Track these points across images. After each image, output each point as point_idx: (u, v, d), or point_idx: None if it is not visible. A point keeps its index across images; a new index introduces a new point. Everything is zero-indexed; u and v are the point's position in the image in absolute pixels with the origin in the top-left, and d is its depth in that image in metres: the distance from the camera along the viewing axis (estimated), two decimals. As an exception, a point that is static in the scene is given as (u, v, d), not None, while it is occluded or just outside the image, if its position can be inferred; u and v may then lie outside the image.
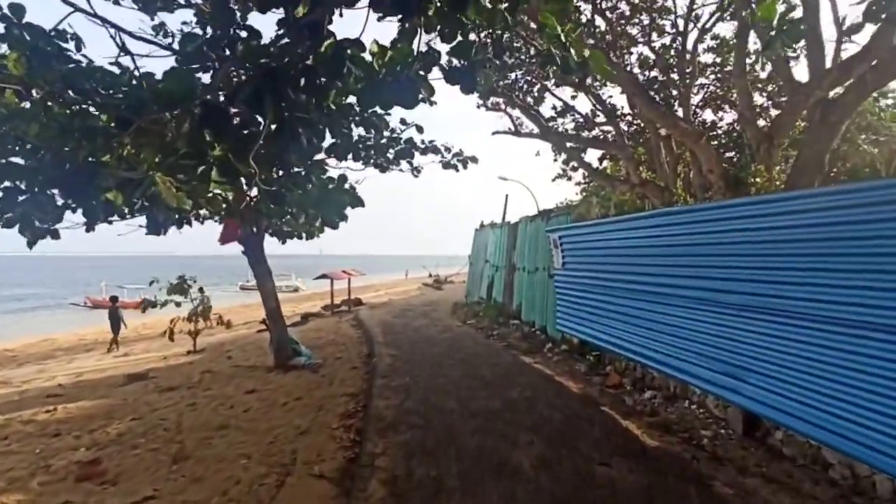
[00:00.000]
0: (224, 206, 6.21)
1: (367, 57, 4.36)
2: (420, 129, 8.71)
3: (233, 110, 4.30)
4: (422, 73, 4.91)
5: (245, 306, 39.72)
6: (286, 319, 20.86)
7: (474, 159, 9.31)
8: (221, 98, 4.11)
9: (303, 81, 4.09)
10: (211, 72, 4.01)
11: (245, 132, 4.08)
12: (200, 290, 12.27)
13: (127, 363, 11.82)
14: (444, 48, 4.04)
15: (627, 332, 6.58)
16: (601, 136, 20.46)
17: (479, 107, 23.36)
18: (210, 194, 4.46)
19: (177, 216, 5.38)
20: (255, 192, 7.23)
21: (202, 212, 8.78)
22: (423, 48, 4.82)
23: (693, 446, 4.69)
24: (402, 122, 8.48)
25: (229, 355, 10.82)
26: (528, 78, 20.15)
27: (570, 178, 30.70)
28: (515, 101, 18.32)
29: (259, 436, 5.33)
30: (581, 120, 22.37)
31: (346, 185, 7.52)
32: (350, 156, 8.56)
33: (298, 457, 4.70)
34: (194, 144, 4.04)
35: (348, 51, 4.17)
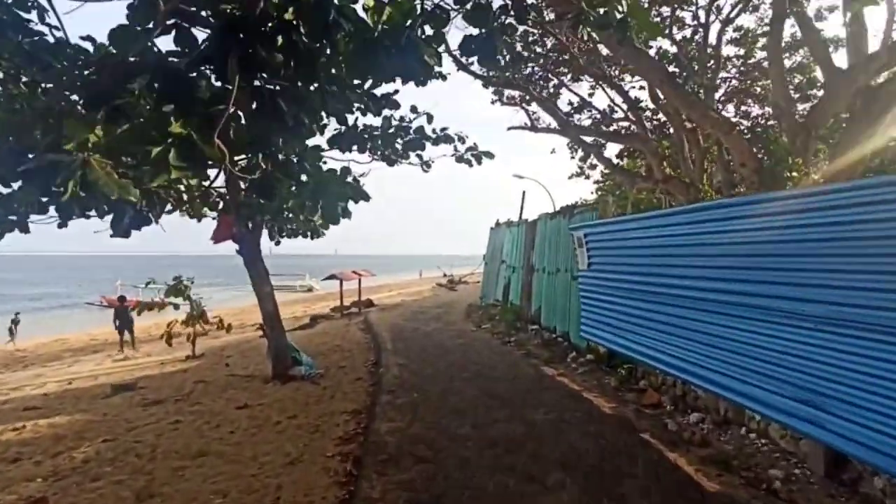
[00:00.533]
0: (188, 200, 5.40)
1: (360, 11, 3.52)
2: (430, 118, 7.89)
3: (196, 77, 3.53)
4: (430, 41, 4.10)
5: (256, 307, 39.30)
6: (296, 320, 20.21)
7: (489, 154, 8.50)
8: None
9: (279, 40, 3.30)
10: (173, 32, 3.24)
11: (214, 108, 3.31)
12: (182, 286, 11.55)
13: (124, 369, 11.21)
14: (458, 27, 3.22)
15: (667, 342, 5.69)
16: (623, 130, 19.49)
17: (493, 102, 22.54)
18: (166, 183, 3.67)
19: (146, 212, 4.62)
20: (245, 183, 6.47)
21: (207, 211, 8.13)
22: (429, 5, 4.02)
23: (763, 491, 3.79)
24: (413, 109, 7.66)
25: (227, 362, 10.12)
26: (544, 73, 19.26)
27: (587, 177, 29.63)
28: (533, 94, 17.44)
29: (241, 466, 4.55)
30: (598, 116, 21.41)
31: (350, 179, 6.74)
32: (355, 147, 7.82)
33: (283, 496, 3.91)
34: (153, 121, 3.28)
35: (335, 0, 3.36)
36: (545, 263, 10.82)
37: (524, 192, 17.35)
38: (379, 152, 8.49)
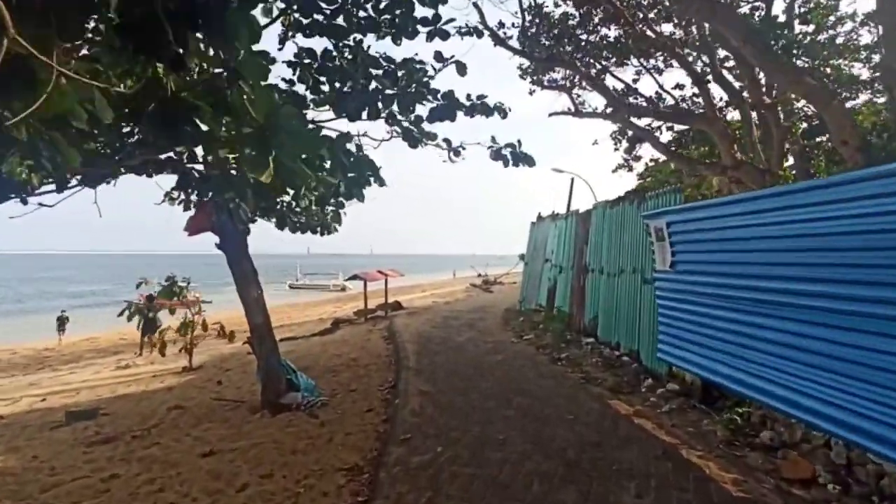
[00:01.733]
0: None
1: None
2: (462, 69, 6.11)
3: None
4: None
5: (290, 306, 38.58)
6: (320, 323, 18.64)
7: (529, 160, 6.54)
8: None
9: None
10: None
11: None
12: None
13: (115, 381, 9.79)
14: None
15: (809, 378, 3.63)
16: (685, 109, 17.07)
17: (531, 93, 20.47)
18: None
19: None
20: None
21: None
22: None
23: None
24: (438, 56, 5.80)
25: (222, 379, 8.51)
26: (586, 57, 17.09)
27: (630, 169, 27.19)
28: (580, 70, 15.29)
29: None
30: (645, 103, 18.98)
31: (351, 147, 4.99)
32: (365, 113, 6.03)
33: None
34: None
35: None
36: (603, 263, 8.75)
37: (572, 180, 15.27)
38: (397, 125, 6.69)
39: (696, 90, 15.67)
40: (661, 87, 19.47)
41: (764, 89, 12.82)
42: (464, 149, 6.87)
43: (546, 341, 9.55)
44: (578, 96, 20.28)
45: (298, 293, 49.36)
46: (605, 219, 8.82)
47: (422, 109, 6.22)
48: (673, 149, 17.48)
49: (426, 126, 6.85)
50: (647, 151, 28.48)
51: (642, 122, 17.91)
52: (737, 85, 14.92)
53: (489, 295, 22.44)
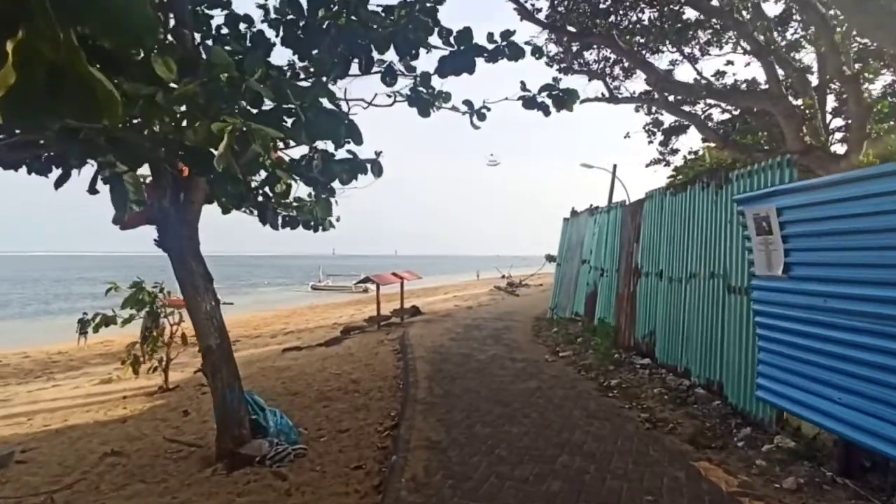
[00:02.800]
0: None
1: None
2: None
3: None
4: None
5: (311, 308, 37.48)
6: (330, 330, 17.13)
7: (573, 94, 4.94)
8: None
9: None
10: None
11: None
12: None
13: (82, 401, 8.39)
14: None
15: None
16: (742, 87, 14.96)
17: (560, 75, 18.56)
18: None
19: None
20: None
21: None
22: None
23: None
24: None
25: (189, 407, 6.95)
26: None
27: (667, 164, 24.91)
28: (620, 46, 13.38)
29: None
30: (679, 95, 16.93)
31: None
32: (356, 66, 4.50)
33: None
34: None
35: None
36: (662, 264, 6.91)
37: (614, 167, 13.41)
38: (397, 89, 5.10)
39: (751, 66, 13.65)
40: (699, 73, 17.41)
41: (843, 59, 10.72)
42: (488, 109, 5.22)
43: (588, 361, 7.74)
44: (613, 79, 18.34)
45: (320, 294, 48.43)
46: (665, 210, 6.96)
47: (428, 63, 4.53)
48: (721, 132, 15.36)
49: (437, 84, 5.23)
50: (684, 144, 25.93)
51: (684, 109, 15.92)
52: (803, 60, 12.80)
53: (515, 299, 20.63)
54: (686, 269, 6.20)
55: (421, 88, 4.97)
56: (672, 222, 6.71)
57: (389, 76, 4.76)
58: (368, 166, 4.66)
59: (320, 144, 4.32)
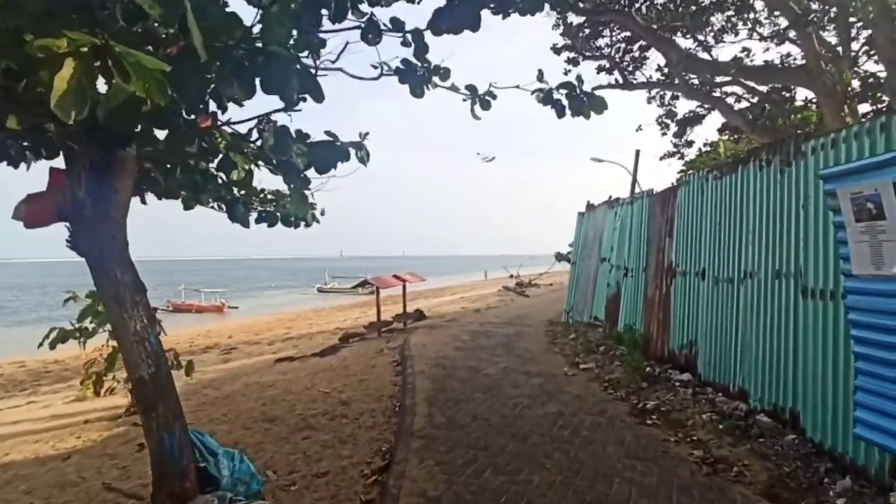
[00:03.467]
0: None
1: None
2: None
3: None
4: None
5: (315, 311, 36.56)
6: (330, 336, 16.09)
7: (597, 105, 3.83)
8: None
9: None
10: None
11: None
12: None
13: (38, 427, 7.40)
14: None
15: None
16: (775, 64, 13.74)
17: (567, 72, 17.51)
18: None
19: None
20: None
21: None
22: None
23: None
24: None
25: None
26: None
27: (681, 157, 23.71)
28: (638, 22, 12.23)
29: None
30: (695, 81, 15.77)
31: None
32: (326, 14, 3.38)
33: None
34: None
35: None
36: (704, 262, 5.77)
37: (637, 152, 12.26)
38: (386, 60, 4.05)
39: (770, 52, 12.50)
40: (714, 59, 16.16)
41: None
42: (493, 97, 4.11)
43: (615, 375, 6.62)
44: (623, 69, 17.15)
45: (327, 297, 47.63)
46: (707, 196, 5.83)
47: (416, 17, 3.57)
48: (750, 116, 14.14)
49: (435, 59, 4.18)
50: (699, 136, 24.71)
51: (706, 92, 14.78)
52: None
53: (525, 300, 19.50)
54: (739, 268, 5.07)
55: (414, 60, 3.89)
56: (717, 211, 5.57)
57: (372, 32, 3.68)
58: (352, 151, 3.63)
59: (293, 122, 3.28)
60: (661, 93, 21.14)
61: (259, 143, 3.31)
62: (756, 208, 4.82)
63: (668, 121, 21.96)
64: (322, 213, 5.64)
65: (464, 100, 4.14)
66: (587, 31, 14.59)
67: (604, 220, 9.79)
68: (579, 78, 3.81)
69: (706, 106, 20.64)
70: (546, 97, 3.89)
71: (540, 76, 4.18)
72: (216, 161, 3.95)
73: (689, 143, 24.64)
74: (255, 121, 3.40)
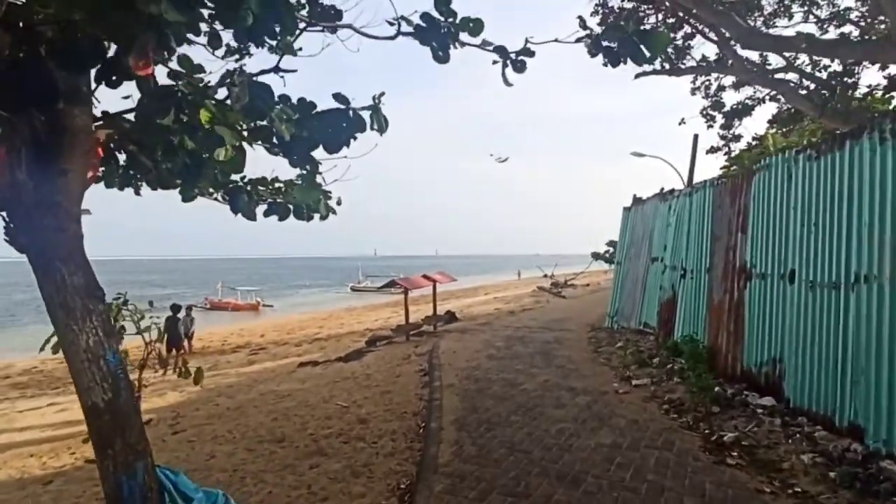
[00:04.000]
0: None
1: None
2: None
3: None
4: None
5: (348, 310, 36.35)
6: (358, 338, 15.44)
7: (657, 37, 2.75)
8: None
9: None
10: None
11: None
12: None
13: (44, 434, 6.95)
14: None
15: None
16: (852, 36, 12.25)
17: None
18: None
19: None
20: None
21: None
22: None
23: None
24: None
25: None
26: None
27: (727, 152, 22.18)
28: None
29: None
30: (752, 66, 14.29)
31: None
32: None
33: None
34: None
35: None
36: (796, 262, 4.70)
37: (696, 138, 11.14)
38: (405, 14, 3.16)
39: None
40: (760, 53, 14.72)
41: None
42: (531, 54, 3.17)
43: (677, 394, 5.60)
44: (672, 53, 15.83)
45: (362, 296, 47.53)
46: (797, 182, 4.75)
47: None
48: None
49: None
50: (747, 130, 23.03)
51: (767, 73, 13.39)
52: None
53: (562, 301, 18.40)
54: (847, 270, 4.00)
55: (435, 14, 3.04)
56: (812, 199, 4.49)
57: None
58: (367, 118, 2.87)
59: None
60: (707, 82, 19.64)
61: (230, 102, 2.53)
62: (874, 193, 3.75)
63: (715, 112, 20.41)
64: (339, 203, 4.87)
65: (494, 62, 3.26)
66: (629, 16, 13.40)
67: (654, 216, 8.70)
68: (630, 15, 2.89)
69: (757, 96, 19.07)
70: (594, 44, 2.98)
71: (582, 23, 3.26)
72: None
73: (737, 137, 22.95)
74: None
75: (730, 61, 12.60)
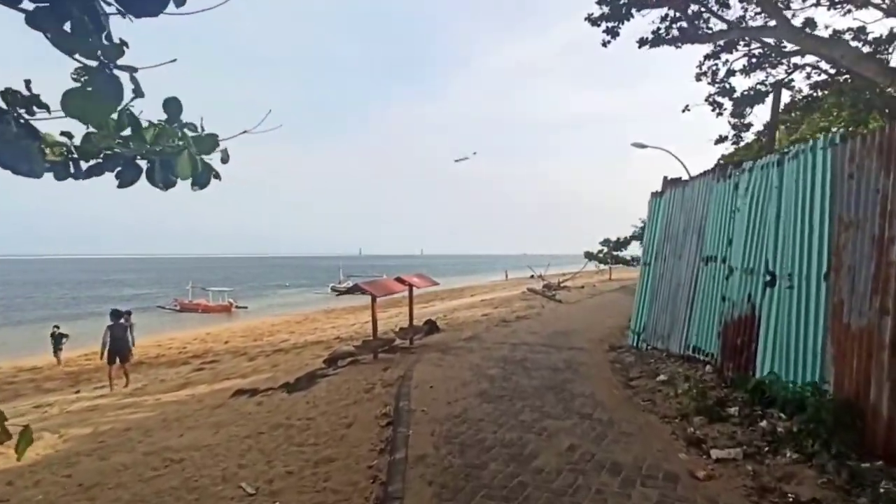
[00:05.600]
0: None
1: None
2: None
3: None
4: None
5: (326, 312, 33.68)
6: (322, 350, 12.63)
7: None
8: None
9: None
10: None
11: None
12: None
13: None
14: None
15: None
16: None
17: (614, 33, 14.18)
18: None
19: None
20: None
21: None
22: None
23: None
24: None
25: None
26: None
27: (737, 140, 20.13)
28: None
29: None
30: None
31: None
32: None
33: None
34: None
35: None
36: None
37: (778, 87, 8.84)
38: None
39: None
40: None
41: None
42: None
43: (805, 487, 3.22)
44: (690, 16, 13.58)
45: (341, 297, 44.72)
46: None
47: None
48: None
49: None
50: (756, 117, 20.96)
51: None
52: None
53: (560, 307, 15.99)
54: None
55: None
56: None
57: None
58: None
59: None
60: (715, 66, 17.55)
61: None
62: None
63: (723, 99, 18.32)
64: (225, 160, 2.25)
65: None
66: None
67: (707, 200, 6.31)
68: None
69: (769, 82, 17.09)
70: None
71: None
72: None
73: (747, 127, 20.94)
74: None
75: (772, 22, 10.34)
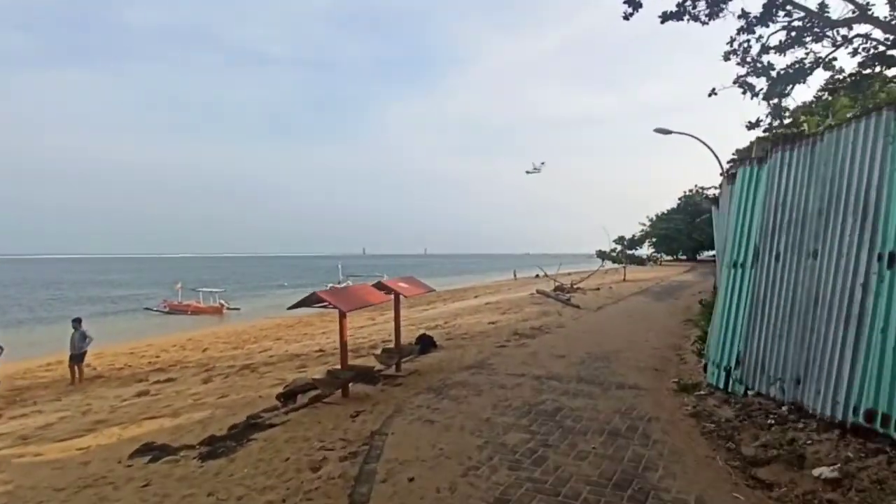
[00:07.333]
0: None
1: None
2: None
3: None
4: None
5: (319, 316, 31.12)
6: (318, 354, 9.52)
7: None
8: None
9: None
10: None
11: None
12: None
13: None
14: None
15: None
16: None
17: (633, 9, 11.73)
18: None
19: None
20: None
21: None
22: None
23: None
24: None
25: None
26: None
27: (770, 128, 17.73)
28: None
29: None
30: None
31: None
32: None
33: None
34: None
35: None
36: None
37: None
38: None
39: None
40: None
41: None
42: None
43: None
44: None
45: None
46: None
47: None
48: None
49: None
50: (793, 99, 18.32)
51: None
52: None
53: (582, 316, 13.33)
54: None
55: None
56: None
57: None
58: None
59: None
60: (747, 43, 15.10)
61: None
62: None
63: (756, 78, 15.74)
64: None
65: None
66: None
67: (882, 157, 3.70)
68: None
69: (809, 59, 14.74)
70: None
71: None
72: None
73: (783, 113, 18.41)
74: None
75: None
